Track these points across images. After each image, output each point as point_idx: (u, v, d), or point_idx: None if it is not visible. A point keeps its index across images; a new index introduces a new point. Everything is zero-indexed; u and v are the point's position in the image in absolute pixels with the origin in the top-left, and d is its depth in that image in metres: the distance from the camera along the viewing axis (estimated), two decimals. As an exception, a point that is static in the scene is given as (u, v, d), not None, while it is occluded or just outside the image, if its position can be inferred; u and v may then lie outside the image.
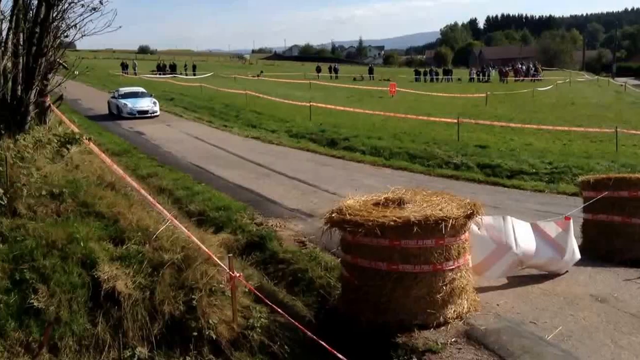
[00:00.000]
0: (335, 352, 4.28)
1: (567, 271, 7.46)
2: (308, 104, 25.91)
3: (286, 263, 8.01)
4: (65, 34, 9.61)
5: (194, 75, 57.08)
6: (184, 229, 6.68)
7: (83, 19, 9.24)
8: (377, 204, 6.40)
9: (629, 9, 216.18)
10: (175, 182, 12.75)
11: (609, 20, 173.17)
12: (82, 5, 9.12)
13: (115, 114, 26.22)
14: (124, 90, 28.14)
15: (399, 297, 5.89)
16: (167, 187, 12.12)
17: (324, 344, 4.51)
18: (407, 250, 5.86)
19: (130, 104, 25.90)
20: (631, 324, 5.93)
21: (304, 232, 9.40)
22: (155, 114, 26.14)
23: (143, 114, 25.61)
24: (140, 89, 28.79)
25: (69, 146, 8.71)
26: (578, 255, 7.56)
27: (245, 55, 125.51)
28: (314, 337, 4.78)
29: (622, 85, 51.81)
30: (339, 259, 6.91)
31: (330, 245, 7.51)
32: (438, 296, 5.89)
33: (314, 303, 6.86)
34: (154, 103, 26.56)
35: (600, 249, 8.26)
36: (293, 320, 5.26)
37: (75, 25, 9.37)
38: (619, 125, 21.40)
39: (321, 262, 7.86)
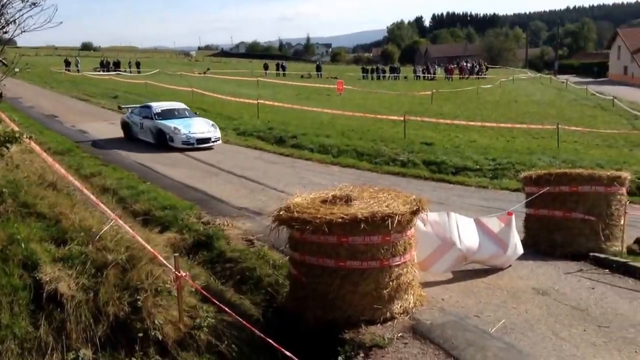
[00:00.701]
0: (282, 349, 4.26)
1: (510, 265, 7.66)
2: (256, 102, 25.79)
3: (234, 262, 7.94)
4: (4, 30, 9.21)
5: (139, 72, 55.94)
6: (128, 228, 6.52)
7: (22, 15, 8.84)
8: (324, 201, 6.42)
9: (571, 8, 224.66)
10: (120, 181, 12.47)
11: (551, 19, 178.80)
12: (22, 0, 8.75)
13: (152, 142, 17.97)
14: (159, 106, 19.24)
15: (347, 293, 5.92)
16: (111, 186, 11.82)
17: (272, 342, 4.49)
18: (355, 247, 5.89)
19: (184, 128, 17.68)
20: (571, 316, 6.12)
21: (252, 231, 9.34)
22: (217, 141, 18.12)
23: (203, 143, 17.61)
24: (180, 105, 20.31)
25: (8, 145, 8.34)
26: (520, 250, 7.76)
27: (191, 53, 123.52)
28: (262, 335, 4.75)
29: (563, 82, 53.60)
30: (287, 257, 6.90)
31: (279, 243, 7.49)
32: (385, 292, 5.95)
33: (262, 301, 6.82)
34: (213, 126, 18.54)
35: (541, 243, 8.53)
36: (240, 319, 5.21)
37: (14, 21, 8.96)
38: (561, 122, 22.17)
39: (269, 260, 7.83)
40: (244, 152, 17.80)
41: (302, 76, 57.16)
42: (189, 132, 17.56)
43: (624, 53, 64.16)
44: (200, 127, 18.04)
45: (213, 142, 17.83)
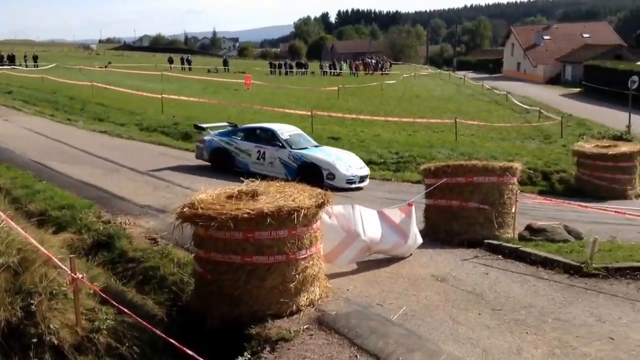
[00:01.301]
0: (184, 348, 4.18)
1: (411, 254, 7.94)
2: (160, 96, 25.04)
3: (136, 261, 7.69)
4: None
5: (36, 66, 52.60)
6: (20, 229, 6.14)
7: None
8: (230, 196, 6.36)
9: (468, 6, 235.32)
10: (13, 180, 11.75)
11: (450, 17, 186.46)
12: None
13: (287, 177, 12.62)
14: (284, 130, 14.69)
15: (253, 288, 5.90)
16: (3, 186, 11.10)
17: (173, 342, 4.39)
18: (261, 242, 5.88)
19: (340, 162, 13.50)
20: (467, 301, 6.43)
21: (155, 229, 9.09)
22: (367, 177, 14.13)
23: (362, 181, 13.70)
24: (297, 129, 15.70)
25: None
26: (420, 240, 8.08)
27: (91, 46, 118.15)
28: (163, 335, 4.64)
29: (461, 78, 56.16)
30: (193, 255, 6.77)
31: (183, 240, 7.34)
32: (291, 285, 5.99)
33: (167, 301, 6.66)
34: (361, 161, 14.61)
35: (440, 232, 8.92)
36: (141, 320, 5.06)
37: None
38: (459, 116, 23.24)
39: (174, 258, 7.65)
40: (148, 148, 17.27)
41: (208, 70, 56.15)
42: (348, 166, 13.66)
43: (517, 50, 67.99)
44: (354, 160, 14.30)
45: (364, 178, 13.98)
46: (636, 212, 9.59)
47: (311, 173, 12.98)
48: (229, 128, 15.55)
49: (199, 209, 5.94)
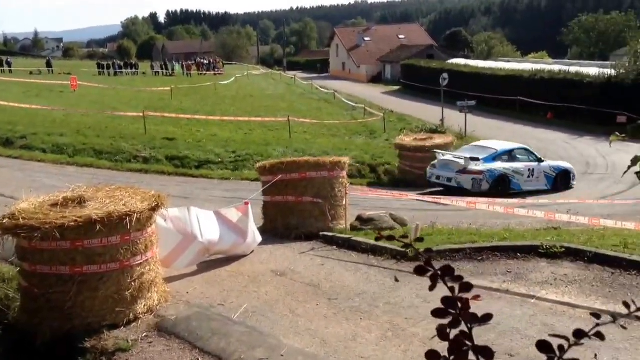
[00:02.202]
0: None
1: (252, 251, 8.05)
2: (-29, 101, 22.54)
3: (-51, 282, 6.90)
4: None
5: None
6: None
7: None
8: (55, 204, 5.95)
9: (294, 8, 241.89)
10: None
11: (278, 18, 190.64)
12: None
13: (547, 188, 15.88)
14: (526, 146, 17.29)
15: (85, 300, 5.59)
16: None
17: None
18: (92, 250, 5.59)
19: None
20: (305, 293, 6.66)
21: (-29, 245, 8.20)
22: None
23: None
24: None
25: None
26: (259, 237, 8.21)
27: None
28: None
29: (292, 78, 57.57)
30: (17, 269, 6.25)
31: (6, 254, 6.73)
32: (127, 293, 5.78)
33: (-10, 320, 6.08)
34: None
35: (278, 227, 9.15)
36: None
37: None
38: (292, 114, 23.90)
39: (-4, 274, 6.99)
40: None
41: (30, 72, 51.65)
42: None
43: (341, 51, 71.60)
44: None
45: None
46: (449, 199, 10.63)
47: (563, 178, 15.94)
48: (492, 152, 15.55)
49: (20, 219, 5.49)
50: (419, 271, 1.48)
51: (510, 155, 15.72)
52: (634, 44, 32.38)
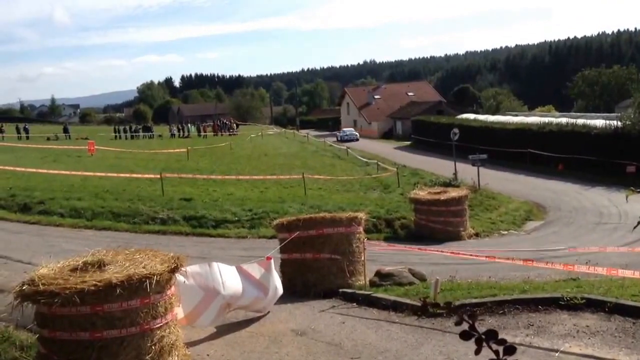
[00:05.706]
0: None
1: (269, 312, 7.95)
2: (-10, 168, 23.02)
3: (-31, 351, 6.89)
4: None
5: None
6: None
7: None
8: (74, 269, 5.98)
9: (305, 69, 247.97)
10: None
11: (289, 79, 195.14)
12: None
13: None
14: None
15: (105, 366, 5.55)
16: None
17: None
18: (112, 314, 5.57)
19: None
20: (327, 353, 6.53)
21: (-8, 312, 8.22)
22: None
23: None
24: None
25: None
26: (281, 290, 8.11)
27: None
28: None
29: (305, 136, 58.34)
30: (37, 336, 6.23)
31: (25, 321, 6.72)
32: (147, 357, 5.71)
33: (8, 390, 6.03)
34: None
35: (297, 285, 9.08)
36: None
37: None
38: (306, 171, 24.09)
39: (15, 341, 6.92)
40: (-21, 223, 15.73)
41: (48, 138, 52.98)
42: None
43: (352, 109, 73.12)
44: None
45: None
46: (468, 252, 10.53)
47: None
48: None
49: (40, 285, 5.51)
50: (464, 336, 1.50)
51: None
52: (638, 95, 32.58)
